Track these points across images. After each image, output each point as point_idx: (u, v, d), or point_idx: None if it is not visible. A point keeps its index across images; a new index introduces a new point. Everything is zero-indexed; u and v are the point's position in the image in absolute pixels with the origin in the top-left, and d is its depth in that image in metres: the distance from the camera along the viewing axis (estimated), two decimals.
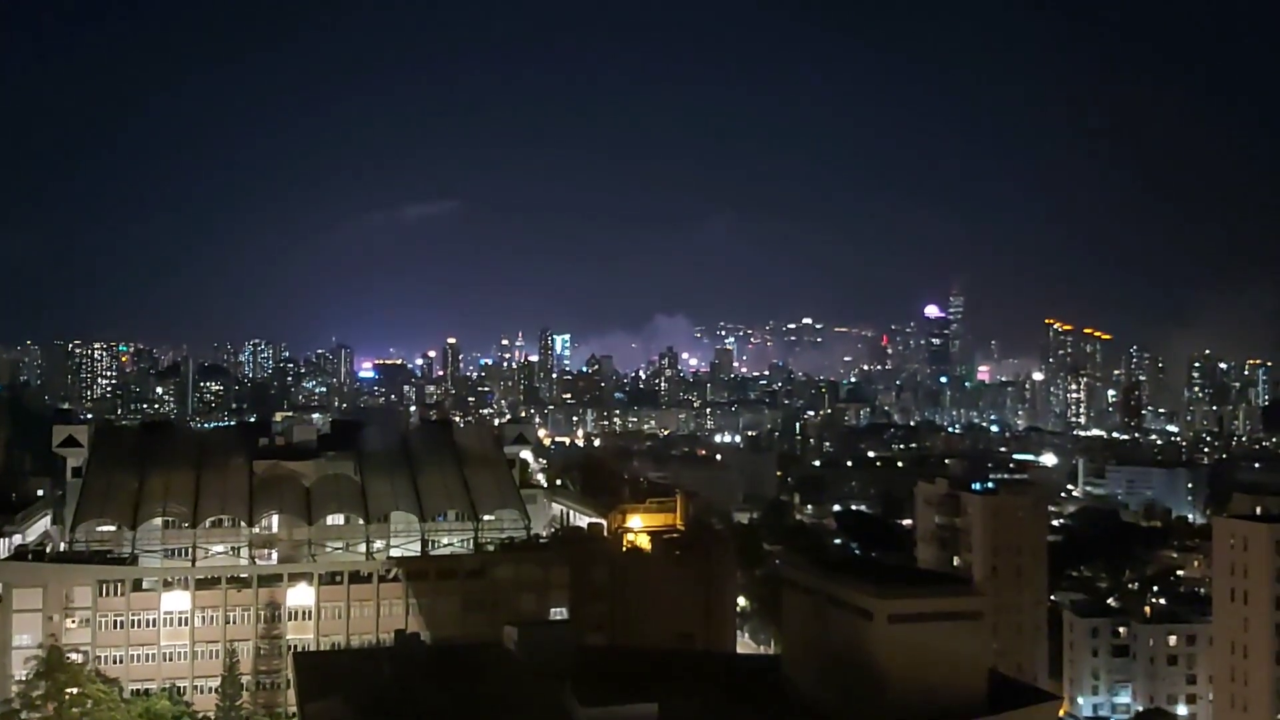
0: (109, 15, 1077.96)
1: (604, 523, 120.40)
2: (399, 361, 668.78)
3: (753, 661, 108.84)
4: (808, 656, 75.53)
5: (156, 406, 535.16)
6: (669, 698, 63.40)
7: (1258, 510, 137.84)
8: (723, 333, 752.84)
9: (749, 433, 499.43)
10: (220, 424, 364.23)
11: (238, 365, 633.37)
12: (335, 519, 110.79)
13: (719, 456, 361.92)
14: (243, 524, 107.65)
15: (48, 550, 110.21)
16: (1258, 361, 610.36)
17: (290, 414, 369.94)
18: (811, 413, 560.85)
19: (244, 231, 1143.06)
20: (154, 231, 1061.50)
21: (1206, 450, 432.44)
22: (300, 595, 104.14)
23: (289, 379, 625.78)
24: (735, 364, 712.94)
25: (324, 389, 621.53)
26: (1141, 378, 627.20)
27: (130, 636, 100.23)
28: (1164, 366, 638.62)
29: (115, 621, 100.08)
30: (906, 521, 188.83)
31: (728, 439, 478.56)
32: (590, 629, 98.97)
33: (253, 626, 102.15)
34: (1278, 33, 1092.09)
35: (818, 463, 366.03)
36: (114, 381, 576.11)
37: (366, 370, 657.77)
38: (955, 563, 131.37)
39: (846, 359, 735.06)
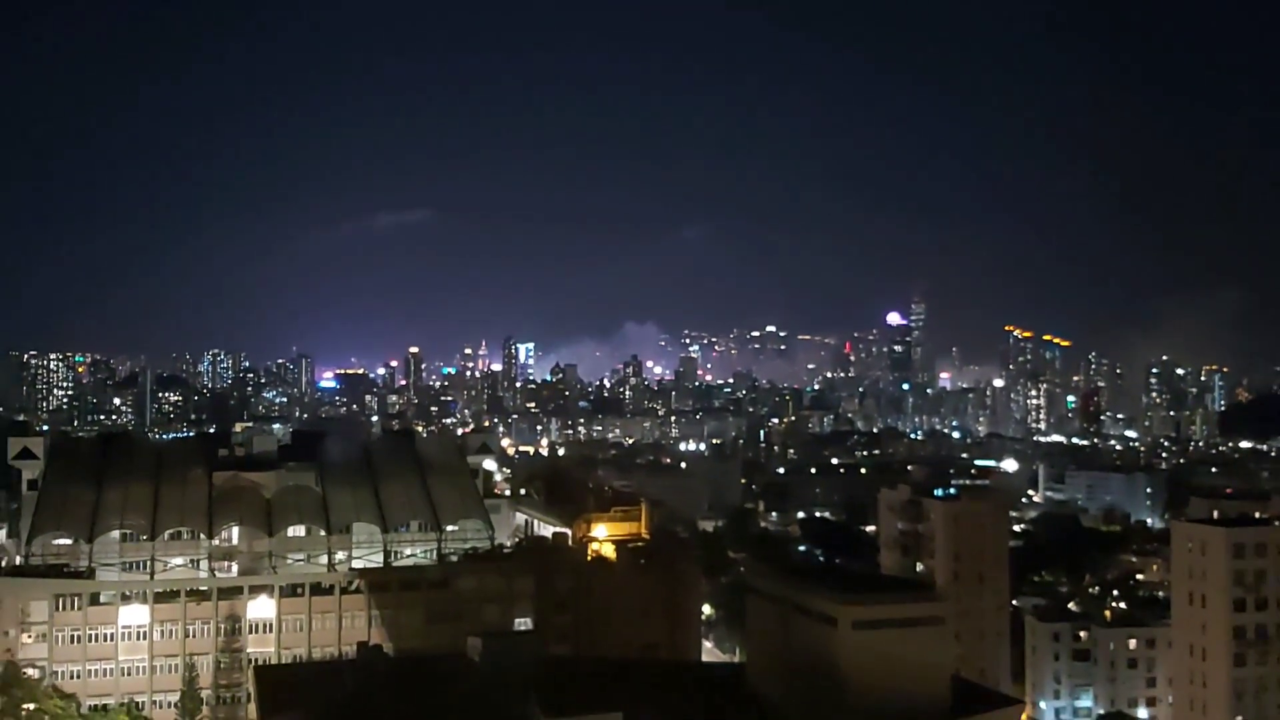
0: (65, 21, 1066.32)
1: (568, 532, 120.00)
2: (360, 371, 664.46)
3: (718, 669, 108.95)
4: (773, 663, 75.71)
5: (114, 418, 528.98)
6: (634, 707, 63.38)
7: (1215, 514, 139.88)
8: (687, 341, 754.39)
9: (713, 441, 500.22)
10: (179, 435, 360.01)
11: (196, 375, 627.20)
12: (296, 530, 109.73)
13: (683, 465, 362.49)
14: (202, 536, 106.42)
15: (2, 564, 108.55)
16: (1214, 367, 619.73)
17: (250, 424, 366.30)
18: (775, 420, 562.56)
19: (203, 240, 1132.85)
20: (111, 240, 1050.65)
21: (1165, 455, 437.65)
22: (261, 608, 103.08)
23: (249, 389, 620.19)
24: (700, 372, 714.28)
25: (284, 399, 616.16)
26: (1100, 384, 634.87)
27: (88, 651, 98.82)
28: (1122, 373, 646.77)
29: (72, 636, 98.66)
30: (870, 528, 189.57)
31: (692, 447, 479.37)
32: (555, 639, 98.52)
33: (213, 640, 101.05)
34: (1238, 41, 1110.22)
35: (782, 470, 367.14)
36: (70, 392, 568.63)
37: (328, 380, 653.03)
38: (918, 568, 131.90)
39: (810, 366, 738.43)
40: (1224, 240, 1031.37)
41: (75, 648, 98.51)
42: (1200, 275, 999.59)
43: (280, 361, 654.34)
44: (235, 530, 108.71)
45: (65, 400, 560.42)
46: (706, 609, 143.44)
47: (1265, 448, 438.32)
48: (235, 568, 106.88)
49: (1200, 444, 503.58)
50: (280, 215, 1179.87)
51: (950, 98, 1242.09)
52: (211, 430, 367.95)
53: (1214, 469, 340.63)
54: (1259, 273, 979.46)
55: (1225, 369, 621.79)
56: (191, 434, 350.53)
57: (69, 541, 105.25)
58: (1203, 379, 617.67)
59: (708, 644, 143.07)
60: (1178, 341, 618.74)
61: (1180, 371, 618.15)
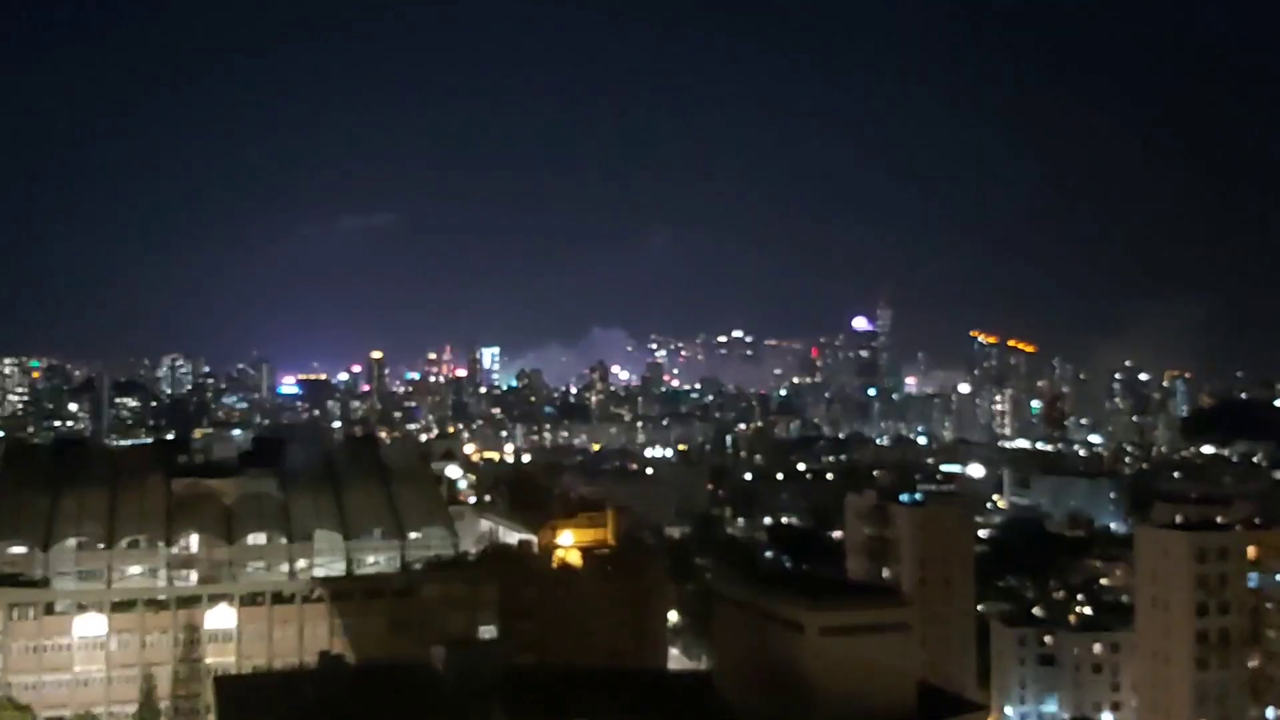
0: (23, 32, 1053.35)
1: (534, 539, 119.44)
2: (323, 376, 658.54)
3: (685, 677, 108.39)
4: (740, 670, 75.27)
5: (70, 424, 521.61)
6: (600, 716, 62.81)
7: (1178, 519, 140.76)
8: (654, 346, 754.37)
9: (680, 446, 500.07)
10: (137, 441, 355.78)
11: (155, 381, 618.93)
12: (257, 538, 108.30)
13: (650, 471, 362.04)
14: (160, 544, 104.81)
15: None
16: (1177, 373, 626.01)
17: (210, 430, 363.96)
18: (742, 425, 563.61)
19: (162, 244, 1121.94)
20: (69, 244, 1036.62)
21: (1128, 460, 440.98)
22: (220, 617, 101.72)
23: (208, 395, 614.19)
24: (666, 377, 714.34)
25: (245, 405, 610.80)
26: (1064, 389, 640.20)
27: (43, 662, 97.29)
28: (1086, 378, 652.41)
29: (27, 646, 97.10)
30: (837, 534, 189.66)
31: (659, 453, 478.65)
32: (520, 648, 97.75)
33: (171, 650, 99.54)
34: (1197, 47, 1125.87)
35: (749, 476, 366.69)
36: (25, 398, 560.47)
37: (289, 385, 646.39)
38: (885, 574, 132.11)
39: (777, 372, 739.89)
40: (1187, 247, 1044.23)
41: (30, 658, 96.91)
42: (1163, 282, 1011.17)
43: (240, 367, 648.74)
44: (194, 538, 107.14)
45: (20, 405, 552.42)
46: (673, 616, 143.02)
47: (1228, 453, 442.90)
48: (194, 576, 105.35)
49: (1163, 449, 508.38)
50: (240, 218, 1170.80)
51: (914, 106, 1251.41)
52: (170, 436, 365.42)
53: (1177, 474, 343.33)
54: (1222, 279, 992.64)
55: (1188, 375, 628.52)
56: (150, 440, 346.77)
57: (23, 550, 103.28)
58: (1166, 385, 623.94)
59: (674, 651, 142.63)
60: (1141, 347, 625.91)
61: (1143, 377, 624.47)
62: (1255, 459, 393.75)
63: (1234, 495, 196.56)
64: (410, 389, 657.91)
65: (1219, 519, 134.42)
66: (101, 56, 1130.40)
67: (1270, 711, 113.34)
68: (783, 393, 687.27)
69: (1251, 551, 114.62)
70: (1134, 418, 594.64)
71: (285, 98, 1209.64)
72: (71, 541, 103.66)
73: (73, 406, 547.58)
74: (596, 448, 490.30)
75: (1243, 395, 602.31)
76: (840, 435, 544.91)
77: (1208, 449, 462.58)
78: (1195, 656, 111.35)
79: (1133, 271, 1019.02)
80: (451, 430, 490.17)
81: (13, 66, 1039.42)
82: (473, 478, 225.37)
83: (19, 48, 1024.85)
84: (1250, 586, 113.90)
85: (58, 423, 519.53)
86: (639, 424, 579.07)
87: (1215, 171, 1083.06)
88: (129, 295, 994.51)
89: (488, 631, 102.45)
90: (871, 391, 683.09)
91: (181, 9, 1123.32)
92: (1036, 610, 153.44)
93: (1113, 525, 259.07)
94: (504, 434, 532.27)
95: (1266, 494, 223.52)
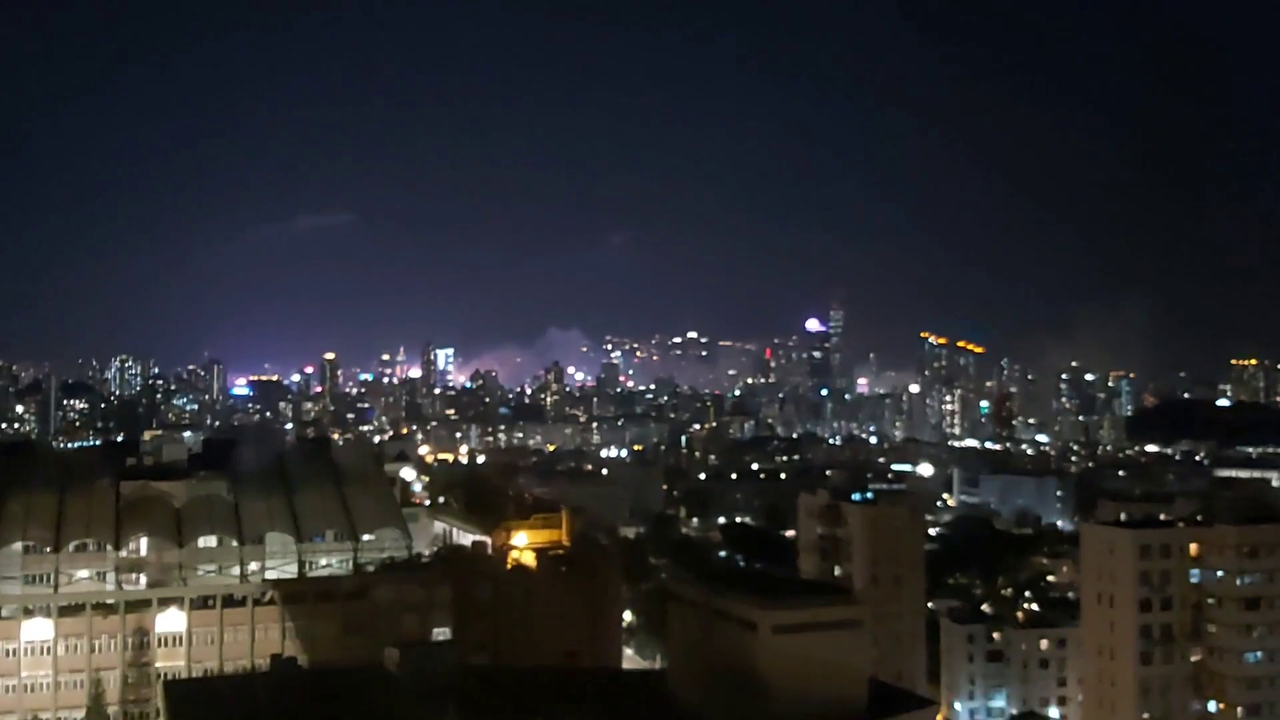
0: None
1: (488, 540, 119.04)
2: (274, 377, 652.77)
3: (639, 677, 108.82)
4: (693, 669, 75.74)
5: (16, 426, 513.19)
6: (554, 716, 62.98)
7: (1122, 516, 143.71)
8: (609, 347, 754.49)
9: (635, 447, 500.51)
10: (85, 444, 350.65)
11: (103, 382, 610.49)
12: (207, 541, 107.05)
13: (605, 471, 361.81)
14: (109, 548, 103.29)
15: None
16: (1121, 373, 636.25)
17: (159, 433, 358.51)
18: (697, 426, 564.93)
19: (111, 242, 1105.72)
20: (14, 243, 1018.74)
21: (1074, 459, 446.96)
22: (170, 621, 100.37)
23: (158, 396, 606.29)
24: (621, 378, 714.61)
25: (195, 406, 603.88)
26: (1012, 389, 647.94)
27: None
28: (1033, 379, 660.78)
29: None
30: (790, 533, 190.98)
31: (614, 453, 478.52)
32: (474, 649, 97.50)
33: (120, 654, 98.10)
34: (1143, 52, 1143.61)
35: (703, 476, 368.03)
36: None
37: (240, 387, 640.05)
38: (837, 572, 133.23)
39: (731, 372, 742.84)
40: (1131, 250, 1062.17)
41: None
42: (1108, 284, 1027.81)
43: (191, 368, 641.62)
44: (144, 541, 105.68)
45: None
46: (627, 616, 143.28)
47: (1170, 451, 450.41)
48: (143, 580, 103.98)
49: (1108, 448, 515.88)
50: (192, 216, 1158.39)
51: (866, 109, 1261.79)
52: (119, 439, 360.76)
53: (1122, 472, 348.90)
54: (1165, 281, 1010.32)
55: (1132, 375, 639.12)
56: (98, 443, 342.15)
57: None
58: (1111, 385, 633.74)
59: (629, 651, 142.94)
60: (1086, 348, 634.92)
61: (1089, 377, 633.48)
62: (1198, 457, 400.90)
63: (1176, 493, 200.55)
64: (364, 390, 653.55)
65: (1162, 516, 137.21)
66: (46, 50, 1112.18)
67: (1212, 705, 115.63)
68: (736, 393, 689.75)
69: (1194, 548, 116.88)
70: (1080, 417, 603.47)
71: (238, 94, 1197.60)
72: (18, 545, 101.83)
73: (19, 408, 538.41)
74: (551, 448, 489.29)
75: (1185, 395, 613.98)
76: (793, 435, 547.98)
77: (1151, 448, 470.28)
78: (1139, 651, 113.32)
79: (1079, 274, 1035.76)
80: (405, 431, 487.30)
81: None
82: (426, 479, 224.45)
83: None
84: (1192, 582, 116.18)
85: (4, 425, 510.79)
86: (594, 425, 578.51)
87: (1160, 175, 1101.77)
88: (77, 295, 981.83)
89: (441, 633, 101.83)
90: (824, 392, 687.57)
91: (131, 2, 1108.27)
92: (985, 607, 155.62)
93: (1059, 523, 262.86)
94: (458, 435, 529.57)
95: (1208, 492, 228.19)
